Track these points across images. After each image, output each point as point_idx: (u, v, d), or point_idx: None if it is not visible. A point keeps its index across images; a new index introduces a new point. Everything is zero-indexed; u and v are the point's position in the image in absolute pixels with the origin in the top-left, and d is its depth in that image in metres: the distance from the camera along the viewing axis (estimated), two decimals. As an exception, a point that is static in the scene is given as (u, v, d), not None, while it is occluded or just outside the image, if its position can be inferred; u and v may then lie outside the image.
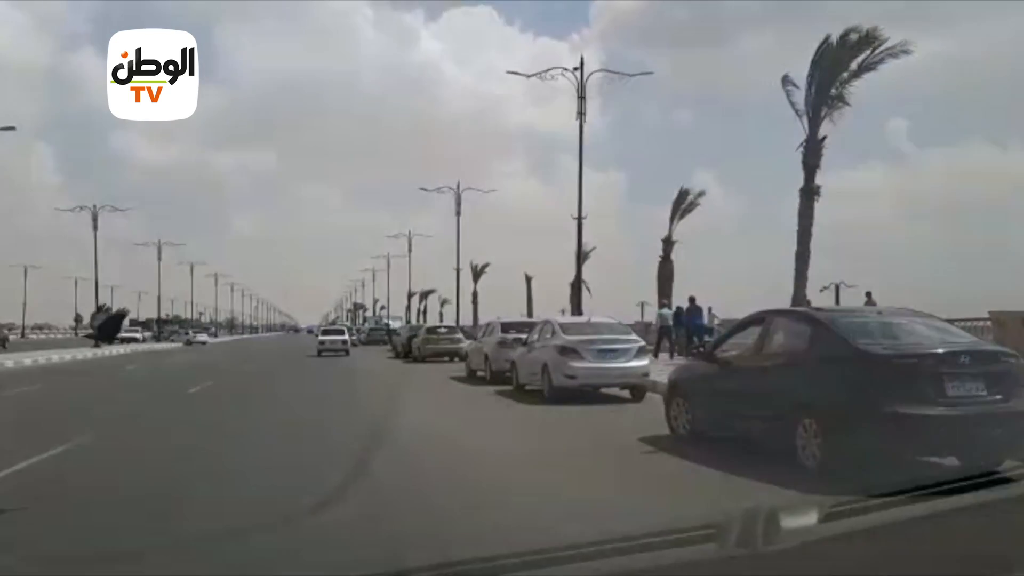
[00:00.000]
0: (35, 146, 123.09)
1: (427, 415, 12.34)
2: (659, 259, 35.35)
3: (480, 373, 19.58)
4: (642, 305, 41.80)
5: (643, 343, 14.83)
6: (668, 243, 35.57)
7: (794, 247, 23.60)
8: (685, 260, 36.38)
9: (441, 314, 66.80)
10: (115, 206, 51.27)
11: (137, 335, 63.04)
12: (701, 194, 37.22)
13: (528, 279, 53.75)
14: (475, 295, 55.61)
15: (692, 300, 24.01)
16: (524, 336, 16.68)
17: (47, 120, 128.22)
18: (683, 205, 35.91)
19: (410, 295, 69.27)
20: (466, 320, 48.83)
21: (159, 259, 64.26)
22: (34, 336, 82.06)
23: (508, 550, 1.93)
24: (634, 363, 13.95)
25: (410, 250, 58.88)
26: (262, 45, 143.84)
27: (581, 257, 30.73)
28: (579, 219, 26.82)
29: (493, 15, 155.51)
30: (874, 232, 73.79)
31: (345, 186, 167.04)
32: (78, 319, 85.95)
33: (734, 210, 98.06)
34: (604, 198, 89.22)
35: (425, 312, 72.85)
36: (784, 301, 21.24)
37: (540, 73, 27.52)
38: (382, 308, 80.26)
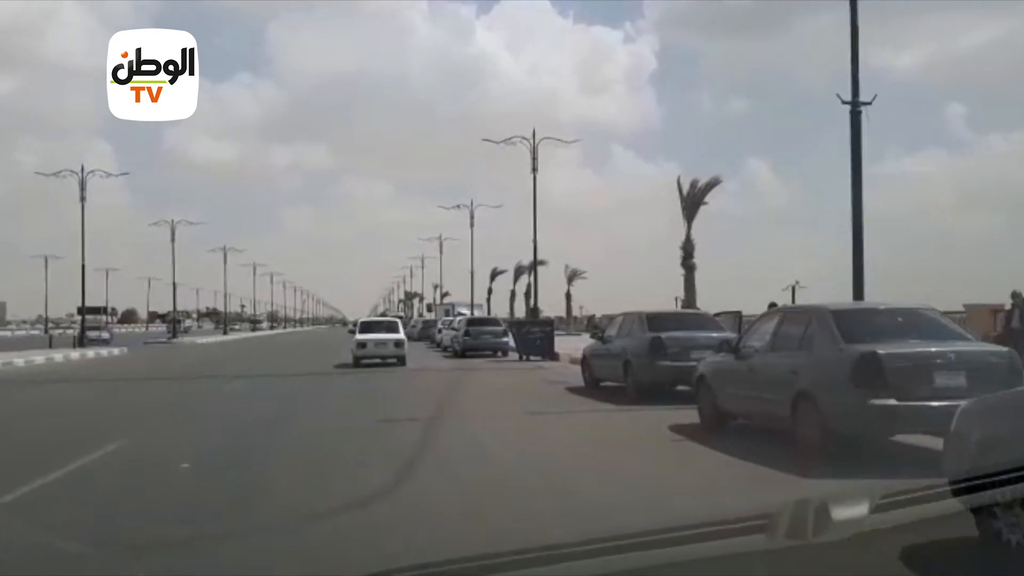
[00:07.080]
0: (94, 143, 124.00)
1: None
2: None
3: None
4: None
5: None
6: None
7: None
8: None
9: (569, 294, 46.54)
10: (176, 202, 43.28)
11: None
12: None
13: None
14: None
15: None
16: None
17: (106, 119, 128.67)
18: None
19: (533, 266, 37.67)
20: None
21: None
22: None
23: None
24: None
25: (535, 183, 31.48)
26: (316, 41, 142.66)
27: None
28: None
29: (546, 6, 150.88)
30: (930, 219, 74.52)
31: (397, 181, 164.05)
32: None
33: (785, 198, 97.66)
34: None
35: (527, 295, 46.51)
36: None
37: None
38: (446, 295, 63.25)
